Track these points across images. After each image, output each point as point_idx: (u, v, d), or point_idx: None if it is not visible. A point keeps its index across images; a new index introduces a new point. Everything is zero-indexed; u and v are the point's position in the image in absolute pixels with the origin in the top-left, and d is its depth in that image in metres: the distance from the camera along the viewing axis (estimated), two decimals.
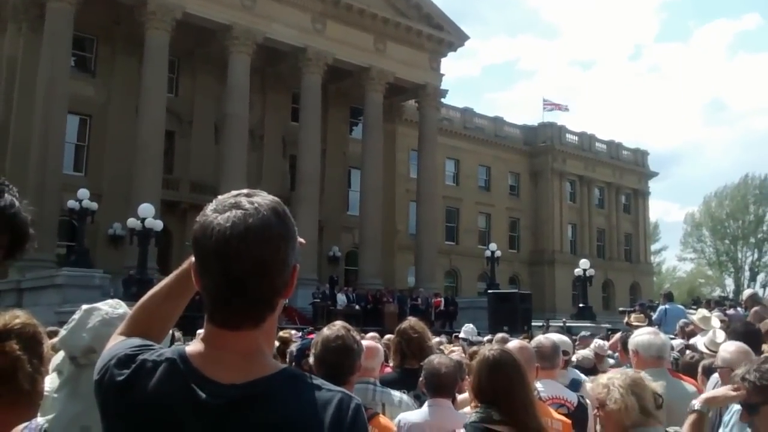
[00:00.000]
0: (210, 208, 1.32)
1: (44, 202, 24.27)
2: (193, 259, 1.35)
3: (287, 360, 5.51)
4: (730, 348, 4.20)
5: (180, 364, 1.31)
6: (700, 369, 5.14)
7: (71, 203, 23.04)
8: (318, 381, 1.32)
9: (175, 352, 1.34)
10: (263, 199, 1.32)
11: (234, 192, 1.34)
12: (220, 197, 1.34)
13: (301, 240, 1.37)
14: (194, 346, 1.34)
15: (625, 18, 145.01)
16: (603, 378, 3.07)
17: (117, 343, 1.44)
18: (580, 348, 8.83)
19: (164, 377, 1.29)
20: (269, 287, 1.29)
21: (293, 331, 10.70)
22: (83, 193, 22.92)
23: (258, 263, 1.26)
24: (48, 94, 26.36)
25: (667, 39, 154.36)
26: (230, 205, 1.29)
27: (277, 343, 7.52)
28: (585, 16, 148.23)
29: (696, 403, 3.10)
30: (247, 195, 1.32)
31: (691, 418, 3.07)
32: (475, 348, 5.68)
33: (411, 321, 4.96)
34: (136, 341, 1.42)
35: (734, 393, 2.98)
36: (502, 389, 2.93)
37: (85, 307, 2.22)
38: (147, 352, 1.35)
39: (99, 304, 2.23)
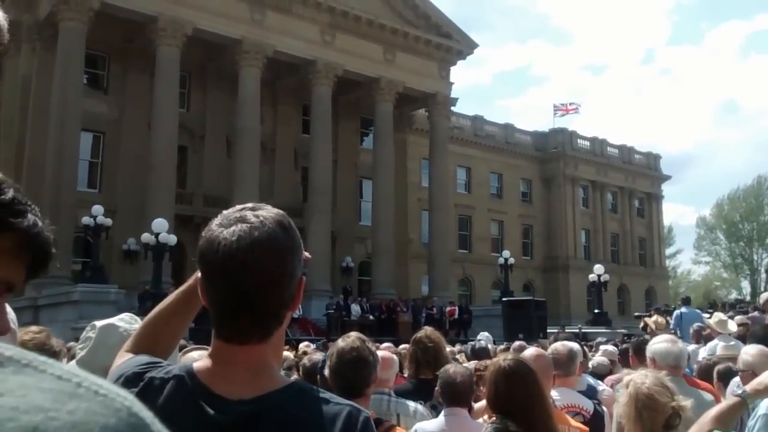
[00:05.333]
0: (215, 222, 1.31)
1: (59, 219, 24.39)
2: (198, 274, 1.35)
3: (300, 373, 5.50)
4: (751, 351, 4.11)
5: (188, 380, 1.30)
6: (714, 374, 5.09)
7: (86, 219, 23.19)
8: (326, 394, 1.32)
9: (183, 368, 1.34)
10: (268, 212, 1.31)
11: (239, 206, 1.34)
12: (225, 212, 1.33)
13: (306, 254, 1.36)
14: (202, 362, 1.34)
15: (636, 22, 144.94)
16: (626, 379, 3.00)
17: (124, 361, 1.44)
18: (597, 354, 8.75)
19: (172, 395, 1.29)
20: (276, 300, 1.28)
21: (307, 342, 10.72)
22: (97, 209, 23.06)
23: (265, 276, 1.25)
24: (62, 112, 26.62)
25: (679, 42, 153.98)
26: (236, 219, 1.29)
27: (290, 356, 7.53)
28: (596, 20, 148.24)
29: (745, 389, 2.98)
30: (252, 209, 1.32)
31: (732, 400, 2.95)
32: (487, 362, 5.63)
33: (427, 330, 4.95)
34: (144, 359, 1.42)
35: None
36: (519, 400, 2.90)
37: (99, 324, 2.17)
38: (155, 370, 1.35)
39: (114, 320, 2.20)
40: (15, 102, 29.41)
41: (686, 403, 2.84)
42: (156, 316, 1.56)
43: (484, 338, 12.85)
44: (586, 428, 3.68)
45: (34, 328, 2.58)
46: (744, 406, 2.95)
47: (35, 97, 28.54)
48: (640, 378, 2.91)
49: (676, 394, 2.86)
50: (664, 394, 2.81)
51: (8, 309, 1.14)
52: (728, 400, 3.00)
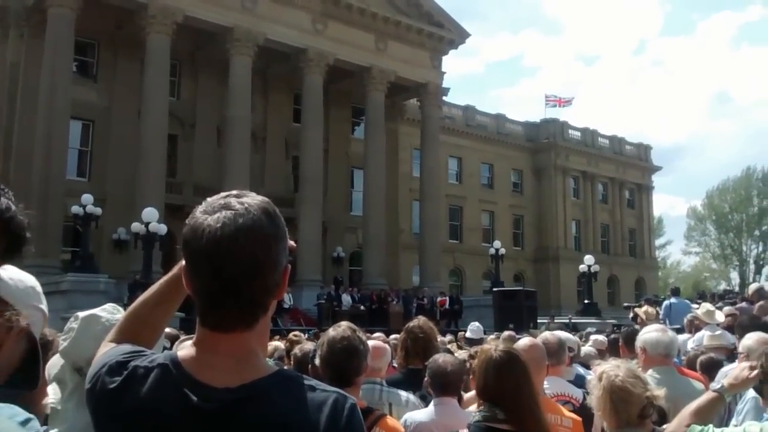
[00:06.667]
0: (200, 209, 1.30)
1: (48, 208, 24.33)
2: (183, 262, 1.33)
3: (291, 363, 5.49)
4: (754, 336, 4.22)
5: (172, 369, 1.29)
6: (698, 365, 5.12)
7: (75, 209, 23.03)
8: (312, 382, 1.31)
9: (167, 357, 1.32)
10: (253, 199, 1.30)
11: (223, 193, 1.32)
12: (209, 199, 1.32)
13: (292, 243, 1.35)
14: (186, 351, 1.32)
15: (629, 12, 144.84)
16: (598, 371, 2.98)
17: (108, 350, 1.42)
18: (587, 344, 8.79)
19: (156, 383, 1.27)
20: (261, 288, 1.27)
21: (297, 332, 10.69)
22: (87, 198, 22.90)
23: (250, 264, 1.23)
24: (50, 100, 26.41)
25: (671, 33, 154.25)
26: (220, 206, 1.27)
27: (281, 345, 7.51)
28: (588, 10, 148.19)
29: (722, 384, 3.02)
30: (237, 196, 1.30)
31: (709, 395, 3.00)
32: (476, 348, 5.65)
33: (420, 320, 4.95)
34: (127, 348, 1.40)
35: (752, 374, 2.97)
36: (508, 389, 2.88)
37: (81, 315, 2.17)
38: (139, 359, 1.34)
39: (96, 311, 2.19)
40: (3, 89, 29.12)
41: (659, 392, 2.86)
42: (140, 304, 1.54)
43: (474, 328, 12.89)
44: (579, 418, 3.70)
45: None
46: (721, 400, 2.99)
47: (23, 84, 28.28)
48: (612, 370, 2.88)
49: (648, 384, 2.87)
50: (637, 386, 2.81)
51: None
52: (706, 395, 3.03)
